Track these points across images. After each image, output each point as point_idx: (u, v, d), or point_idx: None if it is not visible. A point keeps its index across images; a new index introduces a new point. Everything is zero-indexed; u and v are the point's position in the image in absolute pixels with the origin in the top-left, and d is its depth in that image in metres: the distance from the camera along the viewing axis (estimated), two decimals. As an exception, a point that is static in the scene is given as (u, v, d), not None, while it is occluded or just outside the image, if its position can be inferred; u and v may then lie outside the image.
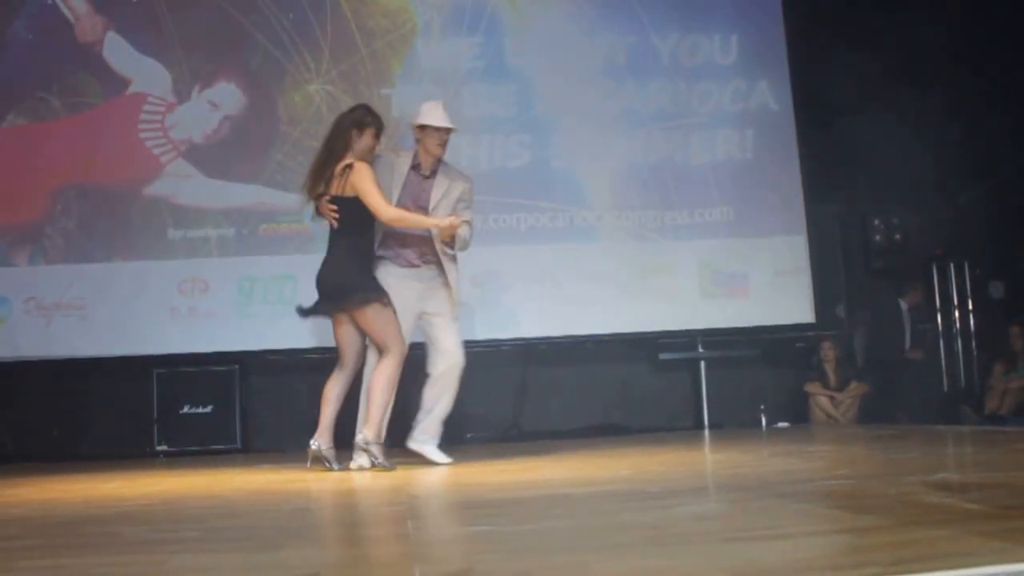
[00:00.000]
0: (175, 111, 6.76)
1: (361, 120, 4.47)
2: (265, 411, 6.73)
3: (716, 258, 6.92)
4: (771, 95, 7.12)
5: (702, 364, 7.09)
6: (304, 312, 4.60)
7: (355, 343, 4.59)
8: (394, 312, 4.42)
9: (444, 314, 4.71)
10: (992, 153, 6.94)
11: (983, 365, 7.29)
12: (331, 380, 4.64)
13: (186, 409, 6.47)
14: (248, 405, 6.66)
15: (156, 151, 6.72)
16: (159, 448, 6.41)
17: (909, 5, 6.74)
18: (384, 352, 4.44)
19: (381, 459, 4.33)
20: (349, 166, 4.38)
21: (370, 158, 4.49)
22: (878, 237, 7.46)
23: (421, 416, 4.73)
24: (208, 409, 6.48)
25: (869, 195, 7.31)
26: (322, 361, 6.75)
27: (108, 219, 6.65)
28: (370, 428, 4.40)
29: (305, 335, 6.60)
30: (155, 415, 6.47)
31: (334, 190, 4.39)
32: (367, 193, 4.34)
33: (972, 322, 7.50)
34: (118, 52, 6.74)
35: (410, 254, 4.69)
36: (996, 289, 7.45)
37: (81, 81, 6.73)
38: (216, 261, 6.65)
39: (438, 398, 4.70)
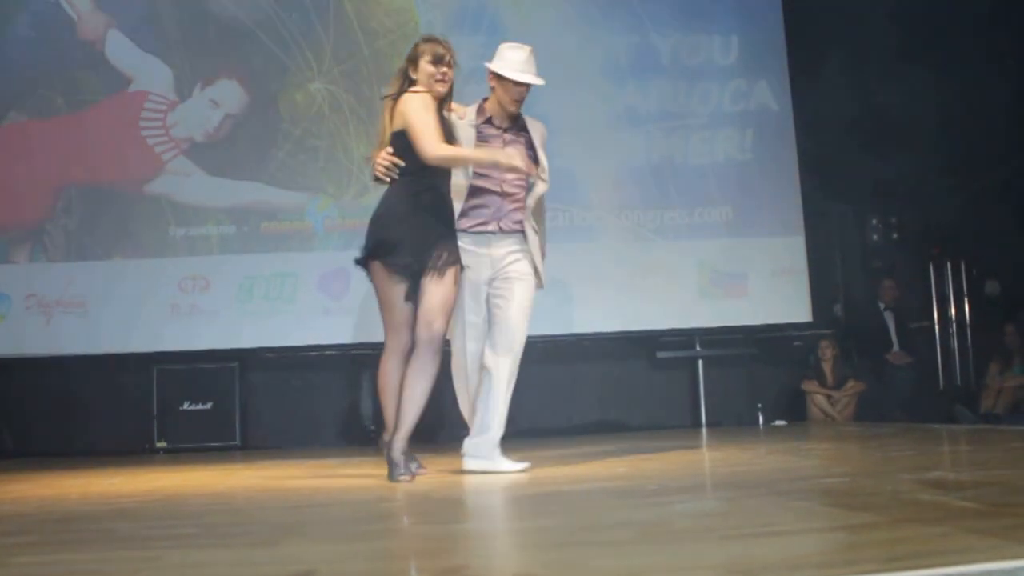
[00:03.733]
0: (176, 109, 6.78)
1: (411, 55, 3.84)
2: (265, 408, 6.75)
3: (715, 258, 6.95)
4: (771, 95, 7.14)
5: (700, 362, 7.12)
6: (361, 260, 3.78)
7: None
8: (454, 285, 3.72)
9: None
10: (990, 153, 6.96)
11: (979, 364, 7.30)
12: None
13: (186, 406, 6.49)
14: (248, 402, 6.67)
15: (157, 149, 6.74)
16: (158, 445, 6.44)
17: (908, 7, 6.75)
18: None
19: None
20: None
21: (434, 87, 3.78)
22: (876, 236, 7.49)
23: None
24: (208, 406, 6.49)
25: (867, 195, 7.32)
26: (321, 359, 6.80)
27: (109, 217, 6.67)
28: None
29: (305, 333, 6.63)
30: (155, 412, 6.49)
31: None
32: (412, 125, 3.67)
33: (968, 320, 7.52)
34: (120, 50, 6.76)
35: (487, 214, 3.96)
36: (992, 288, 7.47)
37: (82, 78, 6.75)
38: (217, 259, 6.67)
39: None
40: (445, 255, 3.68)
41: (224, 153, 6.78)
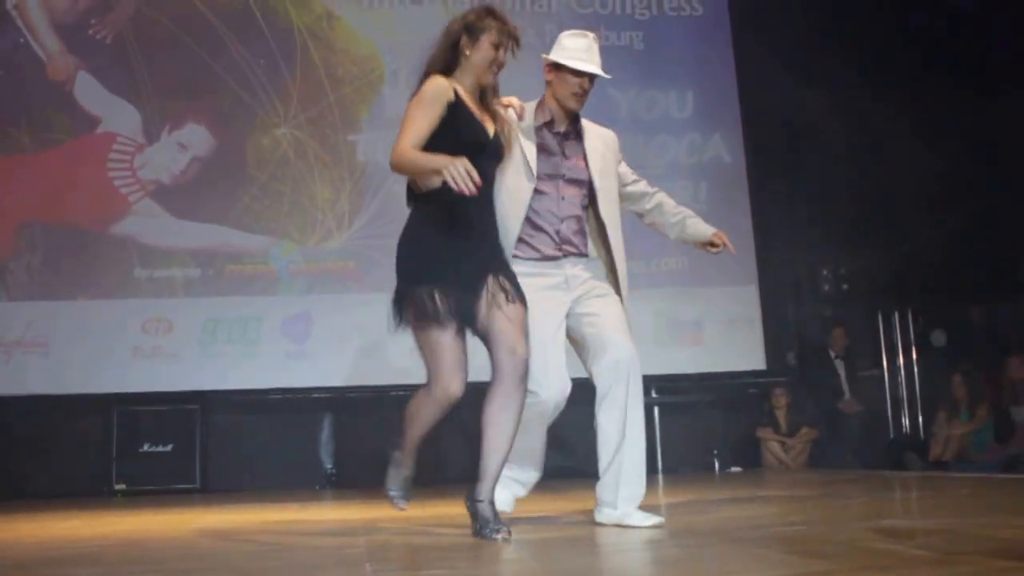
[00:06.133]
0: (144, 151, 6.79)
1: (471, 25, 3.09)
2: (226, 451, 6.69)
3: (671, 307, 7.07)
4: (725, 149, 7.34)
5: (656, 410, 7.21)
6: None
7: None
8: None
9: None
10: (937, 207, 7.21)
11: (927, 412, 7.50)
12: None
13: (146, 448, 6.41)
14: (209, 444, 6.61)
15: (124, 190, 6.73)
16: (117, 487, 6.33)
17: (859, 61, 7.03)
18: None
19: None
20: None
21: (486, 74, 3.11)
22: (827, 287, 7.69)
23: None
24: (168, 448, 6.43)
25: (818, 246, 7.54)
26: (283, 402, 6.78)
27: (73, 257, 6.62)
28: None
29: (267, 376, 6.63)
30: (114, 453, 6.40)
31: None
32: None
33: (916, 370, 7.73)
34: (89, 91, 6.77)
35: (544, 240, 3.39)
36: (938, 338, 7.68)
37: (50, 118, 6.73)
38: (181, 301, 6.66)
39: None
40: (504, 277, 3.07)
41: (190, 196, 6.79)
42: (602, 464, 3.44)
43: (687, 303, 7.10)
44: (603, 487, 3.43)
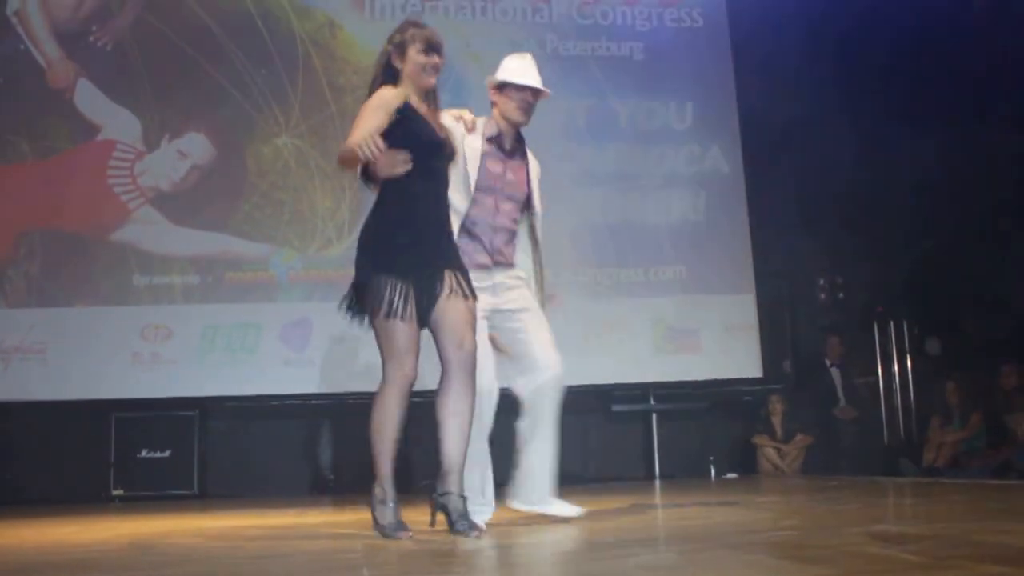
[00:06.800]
0: (144, 159, 6.83)
1: (398, 41, 3.35)
2: (224, 457, 6.72)
3: (669, 314, 7.13)
4: (723, 159, 7.40)
5: (654, 416, 7.27)
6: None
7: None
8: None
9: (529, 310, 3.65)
10: (932, 217, 7.26)
11: (921, 418, 7.54)
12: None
13: (144, 453, 6.43)
14: (207, 451, 6.63)
15: (124, 198, 6.76)
16: (115, 492, 6.35)
17: (856, 76, 7.08)
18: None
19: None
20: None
21: (423, 78, 3.29)
22: (823, 295, 7.75)
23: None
24: (166, 454, 6.45)
25: (815, 255, 7.59)
26: (281, 409, 6.81)
27: (72, 263, 6.65)
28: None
29: (266, 383, 6.65)
30: (112, 459, 6.41)
31: None
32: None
33: (911, 377, 7.77)
34: (89, 99, 6.80)
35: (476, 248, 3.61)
36: (932, 346, 7.73)
37: (50, 126, 6.77)
38: (180, 308, 6.69)
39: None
40: (459, 272, 3.23)
41: (190, 203, 6.83)
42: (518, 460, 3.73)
43: (684, 311, 7.16)
44: (523, 479, 3.73)
